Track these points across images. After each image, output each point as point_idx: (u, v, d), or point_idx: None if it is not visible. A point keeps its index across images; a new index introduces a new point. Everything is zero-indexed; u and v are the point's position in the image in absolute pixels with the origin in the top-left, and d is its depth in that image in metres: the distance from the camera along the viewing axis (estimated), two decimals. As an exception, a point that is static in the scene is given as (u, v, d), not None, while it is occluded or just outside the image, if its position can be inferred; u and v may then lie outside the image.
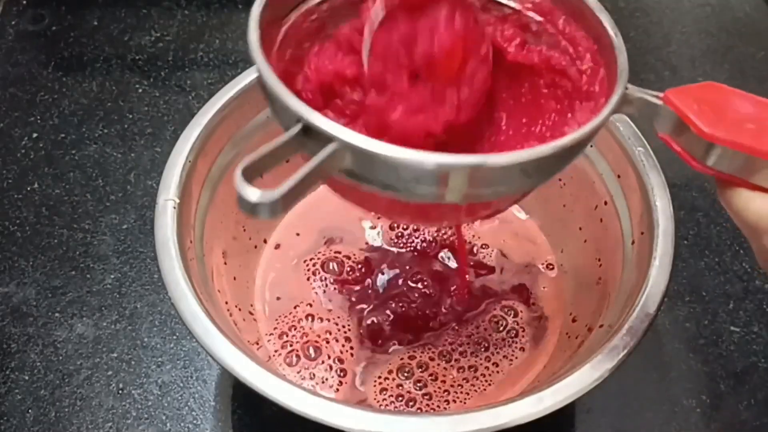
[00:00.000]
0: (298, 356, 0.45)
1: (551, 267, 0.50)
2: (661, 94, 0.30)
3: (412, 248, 0.50)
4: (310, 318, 0.47)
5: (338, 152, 0.26)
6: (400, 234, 0.50)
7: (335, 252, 0.50)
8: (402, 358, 0.45)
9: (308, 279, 0.48)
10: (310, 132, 0.27)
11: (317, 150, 0.26)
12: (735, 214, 0.30)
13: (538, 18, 0.35)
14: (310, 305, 0.47)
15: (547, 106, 0.35)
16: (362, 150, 0.26)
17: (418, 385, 0.44)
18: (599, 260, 0.45)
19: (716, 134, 0.29)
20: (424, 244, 0.50)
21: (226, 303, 0.43)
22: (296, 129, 0.27)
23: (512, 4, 0.35)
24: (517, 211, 0.51)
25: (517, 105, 0.36)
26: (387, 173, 0.27)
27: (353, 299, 0.47)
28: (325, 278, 0.49)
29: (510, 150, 0.27)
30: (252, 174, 0.25)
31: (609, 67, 0.32)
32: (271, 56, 0.31)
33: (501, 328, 0.47)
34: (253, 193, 0.24)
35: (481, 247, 0.50)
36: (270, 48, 0.32)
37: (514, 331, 0.47)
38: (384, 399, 0.44)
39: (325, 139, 0.27)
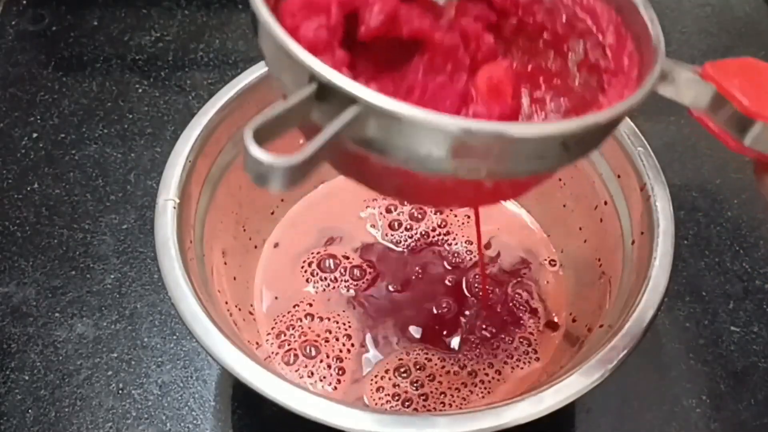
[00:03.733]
0: (296, 355, 0.45)
1: (553, 264, 0.50)
2: (698, 68, 0.29)
3: (412, 248, 0.50)
4: (309, 317, 0.47)
5: (360, 116, 0.23)
6: (400, 234, 0.50)
7: (335, 251, 0.50)
8: (400, 359, 0.45)
9: (307, 279, 0.48)
10: (325, 93, 0.23)
11: (331, 115, 0.23)
12: None
13: None
14: (310, 305, 0.47)
15: (573, 82, 0.32)
16: (390, 113, 0.22)
17: (415, 385, 0.44)
18: (599, 260, 0.45)
19: (759, 110, 0.27)
20: (425, 244, 0.50)
21: (226, 303, 0.43)
22: (309, 89, 0.23)
23: None
24: (516, 210, 0.51)
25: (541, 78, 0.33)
26: (414, 140, 0.23)
27: (352, 299, 0.47)
28: (325, 277, 0.49)
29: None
30: (263, 137, 0.22)
31: (638, 39, 0.29)
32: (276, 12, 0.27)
33: (501, 330, 0.47)
34: (266, 157, 0.21)
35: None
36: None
37: (515, 333, 0.47)
38: (380, 398, 0.44)
39: (346, 100, 0.23)
